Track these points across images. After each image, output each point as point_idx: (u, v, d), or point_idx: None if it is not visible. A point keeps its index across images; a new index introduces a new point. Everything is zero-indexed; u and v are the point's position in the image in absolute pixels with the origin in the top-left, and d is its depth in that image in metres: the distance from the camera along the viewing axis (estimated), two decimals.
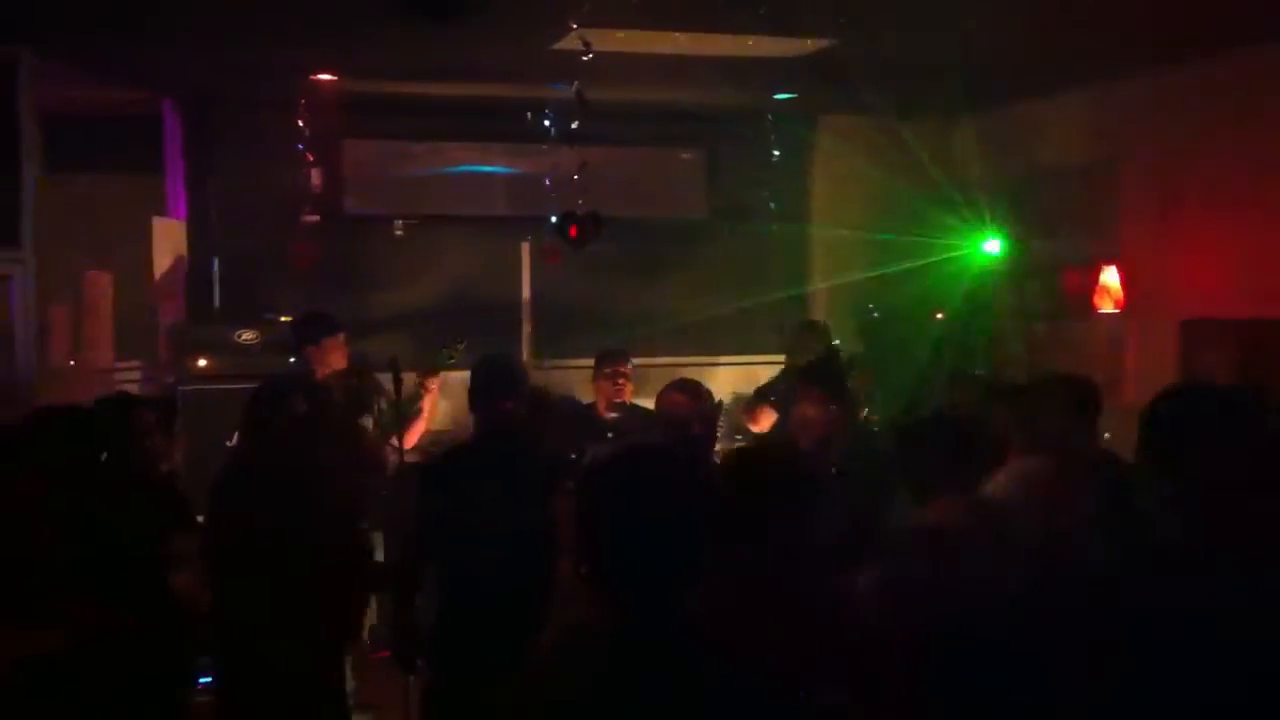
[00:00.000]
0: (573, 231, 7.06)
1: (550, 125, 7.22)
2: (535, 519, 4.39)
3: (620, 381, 6.54)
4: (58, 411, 4.65)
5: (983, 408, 5.16)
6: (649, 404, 5.94)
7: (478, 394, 4.67)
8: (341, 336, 6.21)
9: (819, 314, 8.64)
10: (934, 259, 8.01)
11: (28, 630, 3.01)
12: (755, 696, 2.30)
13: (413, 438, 6.40)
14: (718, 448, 5.34)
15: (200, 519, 4.97)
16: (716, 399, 5.14)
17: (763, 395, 6.92)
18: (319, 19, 6.05)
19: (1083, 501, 3.83)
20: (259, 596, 4.47)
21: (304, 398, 4.82)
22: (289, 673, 4.48)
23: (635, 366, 6.72)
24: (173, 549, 4.62)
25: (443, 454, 4.99)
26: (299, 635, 4.47)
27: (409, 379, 6.09)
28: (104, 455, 4.55)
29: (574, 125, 6.66)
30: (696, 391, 5.02)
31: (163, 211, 8.03)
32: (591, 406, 6.71)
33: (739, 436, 7.16)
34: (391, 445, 5.99)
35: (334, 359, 6.15)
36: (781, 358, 7.40)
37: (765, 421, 6.82)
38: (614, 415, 6.39)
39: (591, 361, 6.87)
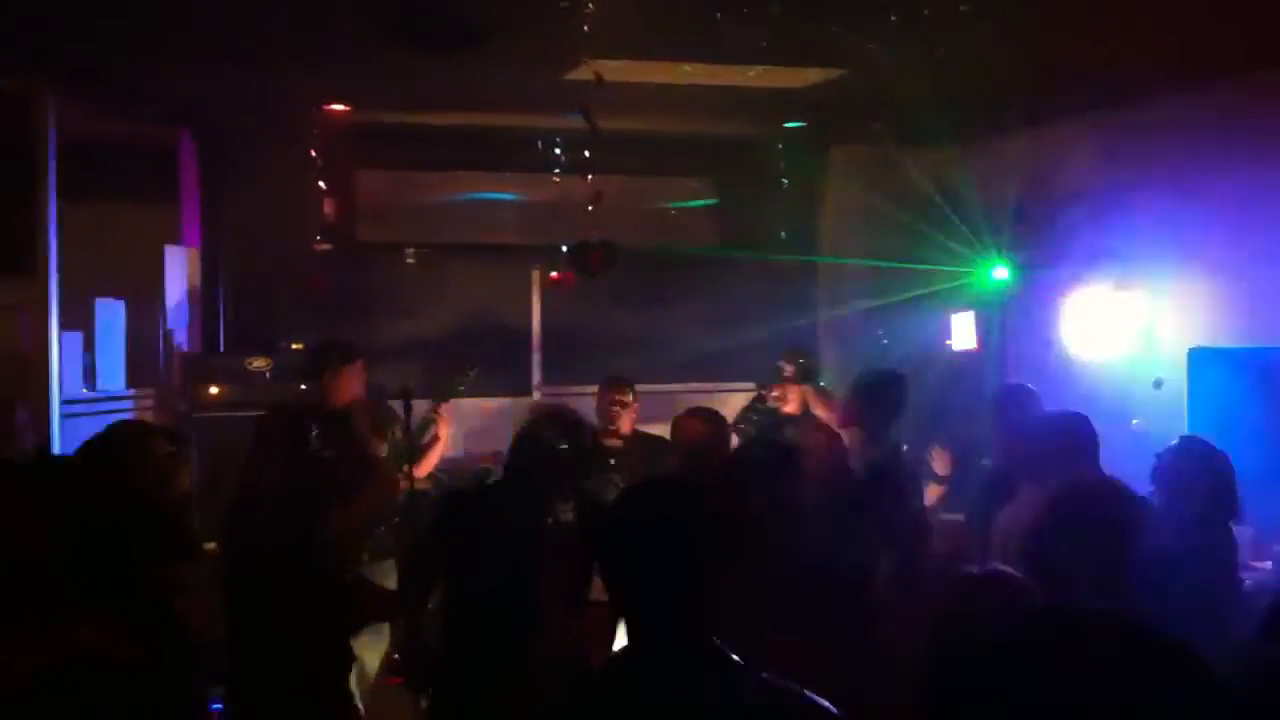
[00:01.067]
0: (594, 261, 7.06)
1: (561, 154, 7.26)
2: (541, 546, 4.45)
3: (616, 410, 6.47)
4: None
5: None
6: (660, 429, 5.97)
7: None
8: (360, 364, 6.20)
9: (828, 341, 8.66)
10: (943, 286, 8.02)
11: (25, 648, 3.02)
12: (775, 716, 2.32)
13: (428, 466, 6.41)
14: None
15: (211, 547, 4.99)
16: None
17: (734, 424, 6.85)
18: (333, 51, 6.11)
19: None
20: (271, 624, 4.49)
21: (315, 426, 4.86)
22: (301, 698, 4.50)
23: (640, 393, 6.63)
24: (179, 578, 4.63)
25: (470, 487, 5.04)
26: (311, 662, 4.49)
27: (420, 406, 6.10)
28: (116, 483, 4.57)
29: (585, 154, 6.70)
30: (714, 420, 5.04)
31: (176, 240, 8.07)
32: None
33: None
34: (403, 473, 6.01)
35: (352, 386, 6.12)
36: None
37: None
38: (616, 443, 6.34)
39: None
